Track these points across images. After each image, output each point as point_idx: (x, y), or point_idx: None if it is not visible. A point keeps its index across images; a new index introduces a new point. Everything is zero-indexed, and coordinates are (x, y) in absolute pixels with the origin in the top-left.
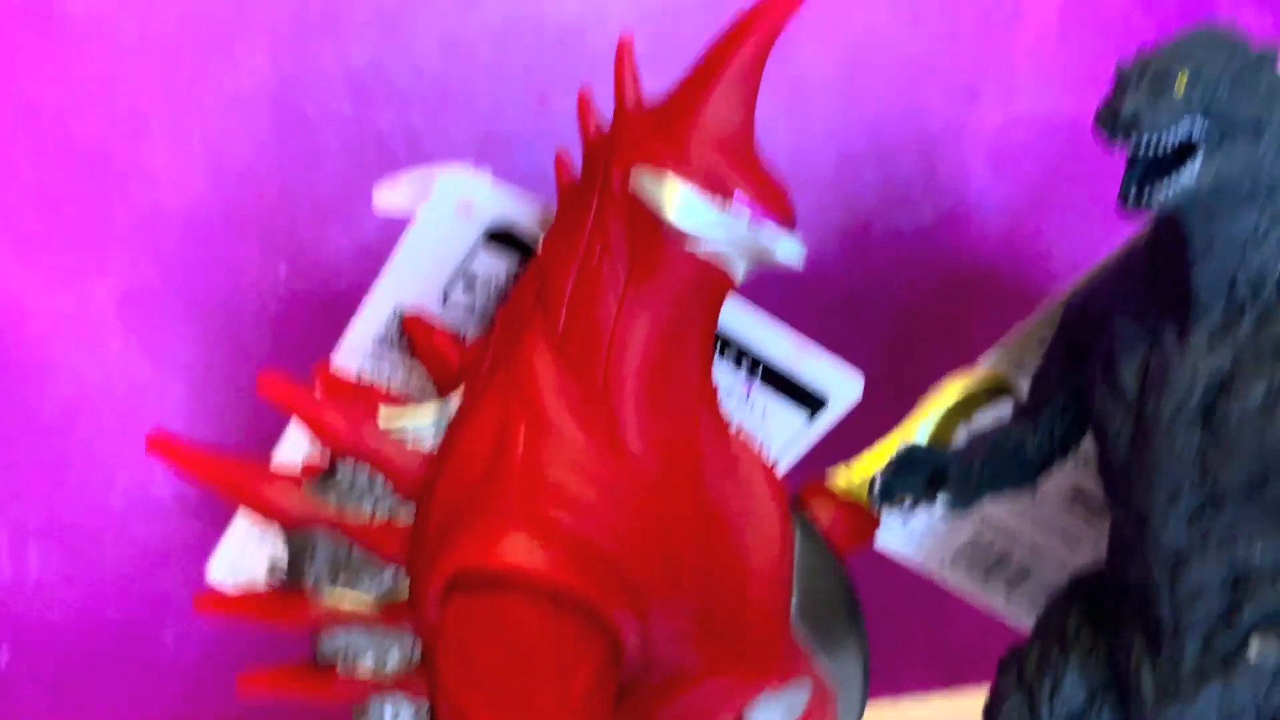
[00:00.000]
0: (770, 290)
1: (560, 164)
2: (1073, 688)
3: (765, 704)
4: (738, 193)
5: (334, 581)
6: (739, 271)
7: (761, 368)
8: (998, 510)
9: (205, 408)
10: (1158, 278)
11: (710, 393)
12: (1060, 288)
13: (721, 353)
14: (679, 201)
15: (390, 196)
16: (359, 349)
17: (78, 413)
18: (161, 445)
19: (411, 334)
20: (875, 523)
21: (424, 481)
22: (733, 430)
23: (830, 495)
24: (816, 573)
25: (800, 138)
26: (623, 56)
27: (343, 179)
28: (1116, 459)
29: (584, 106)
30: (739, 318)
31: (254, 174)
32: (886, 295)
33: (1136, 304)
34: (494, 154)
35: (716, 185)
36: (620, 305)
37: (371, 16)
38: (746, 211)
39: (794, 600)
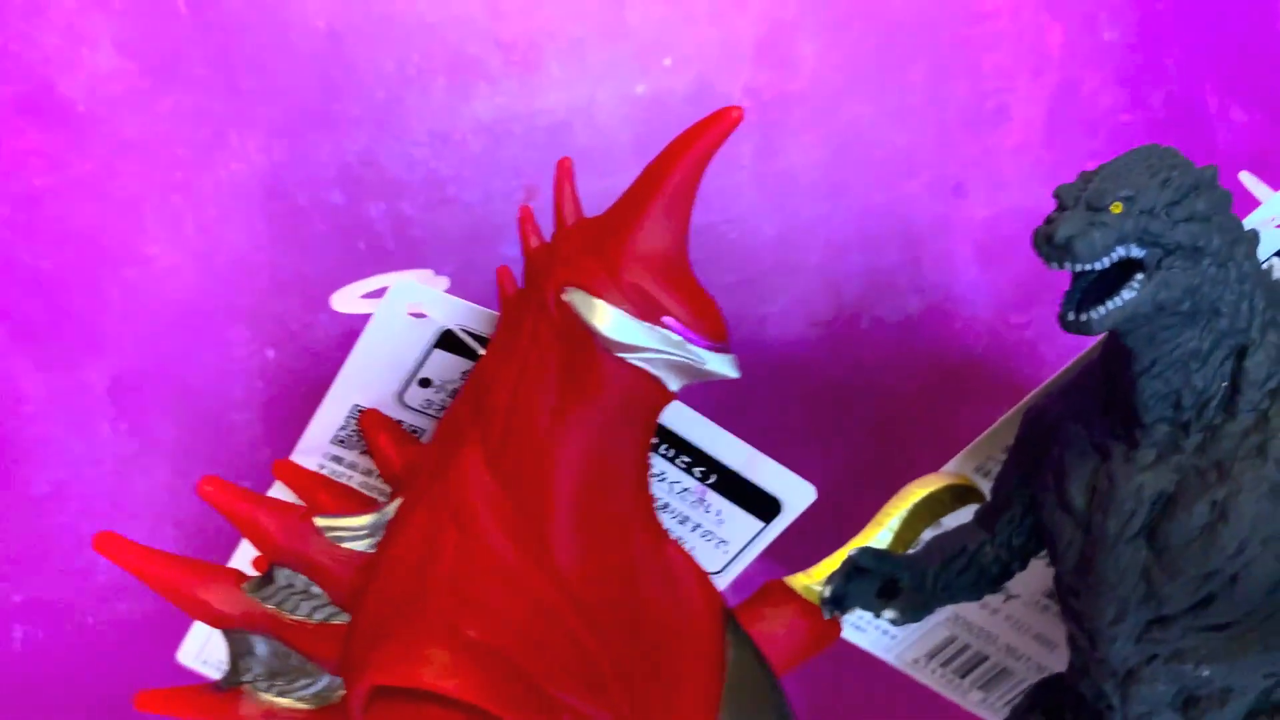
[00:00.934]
0: (756, 381)
1: (503, 277)
2: None
3: None
4: (667, 315)
5: (271, 683)
6: (673, 385)
7: (716, 474)
8: (972, 612)
9: (190, 489)
10: (1108, 392)
11: (646, 506)
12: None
13: (675, 459)
14: (608, 321)
15: (347, 301)
16: (317, 447)
17: (67, 490)
18: (106, 544)
19: (364, 434)
20: (836, 628)
21: (357, 588)
22: (669, 542)
23: (790, 600)
24: (747, 687)
25: (787, 228)
26: (562, 177)
27: (333, 267)
28: (1066, 573)
29: (525, 221)
30: (692, 425)
31: (245, 261)
32: (872, 386)
33: (1088, 417)
34: (482, 244)
35: (647, 306)
36: (554, 420)
37: (364, 109)
38: (676, 332)
39: (722, 715)
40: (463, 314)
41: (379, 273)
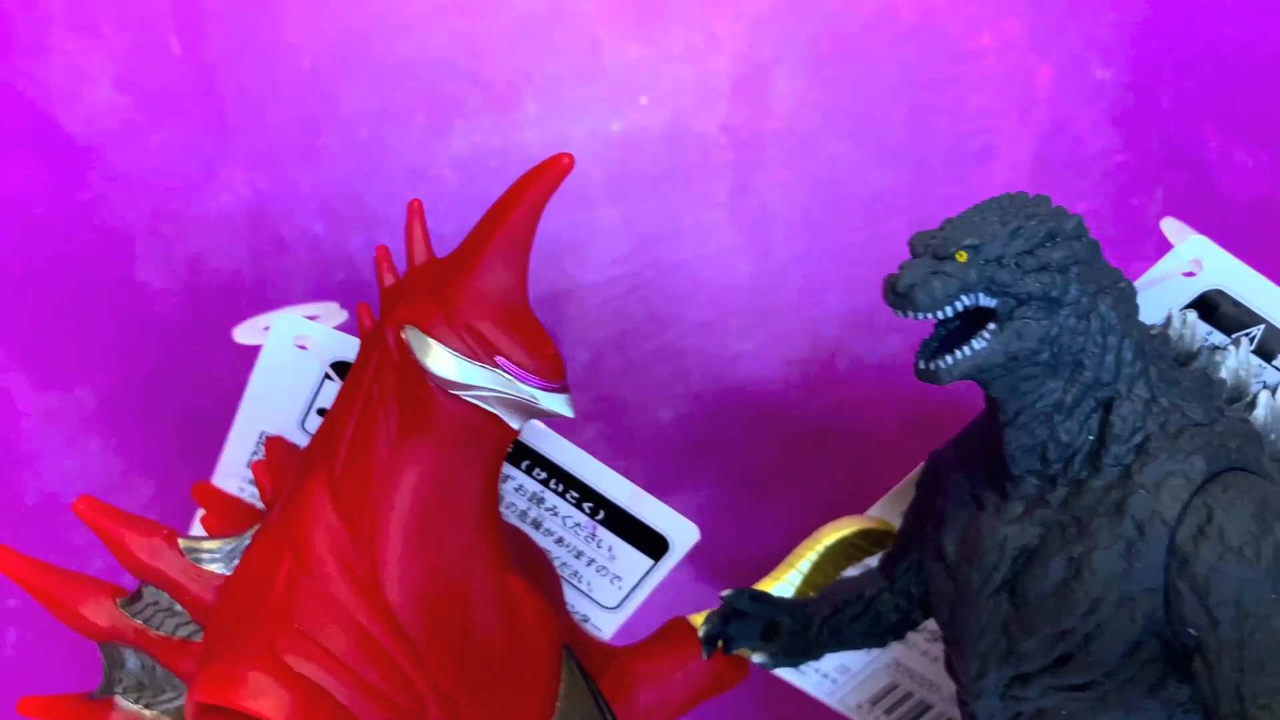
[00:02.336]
0: (730, 420)
1: (362, 312)
2: None
3: None
4: (499, 355)
5: (139, 695)
6: (513, 423)
7: (604, 510)
8: (914, 659)
9: (173, 502)
10: (990, 443)
11: (491, 538)
12: None
13: (565, 494)
14: (439, 360)
15: (244, 334)
16: (235, 471)
17: (59, 501)
18: None
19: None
20: (743, 668)
21: (211, 608)
22: (513, 575)
23: (692, 639)
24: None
25: (763, 266)
26: (412, 218)
27: (313, 295)
28: (940, 625)
29: (381, 260)
30: (579, 461)
31: (230, 288)
32: (851, 426)
33: (971, 467)
34: None
35: (479, 346)
36: (392, 453)
37: (345, 145)
38: (508, 371)
39: None
40: (343, 347)
41: (359, 300)
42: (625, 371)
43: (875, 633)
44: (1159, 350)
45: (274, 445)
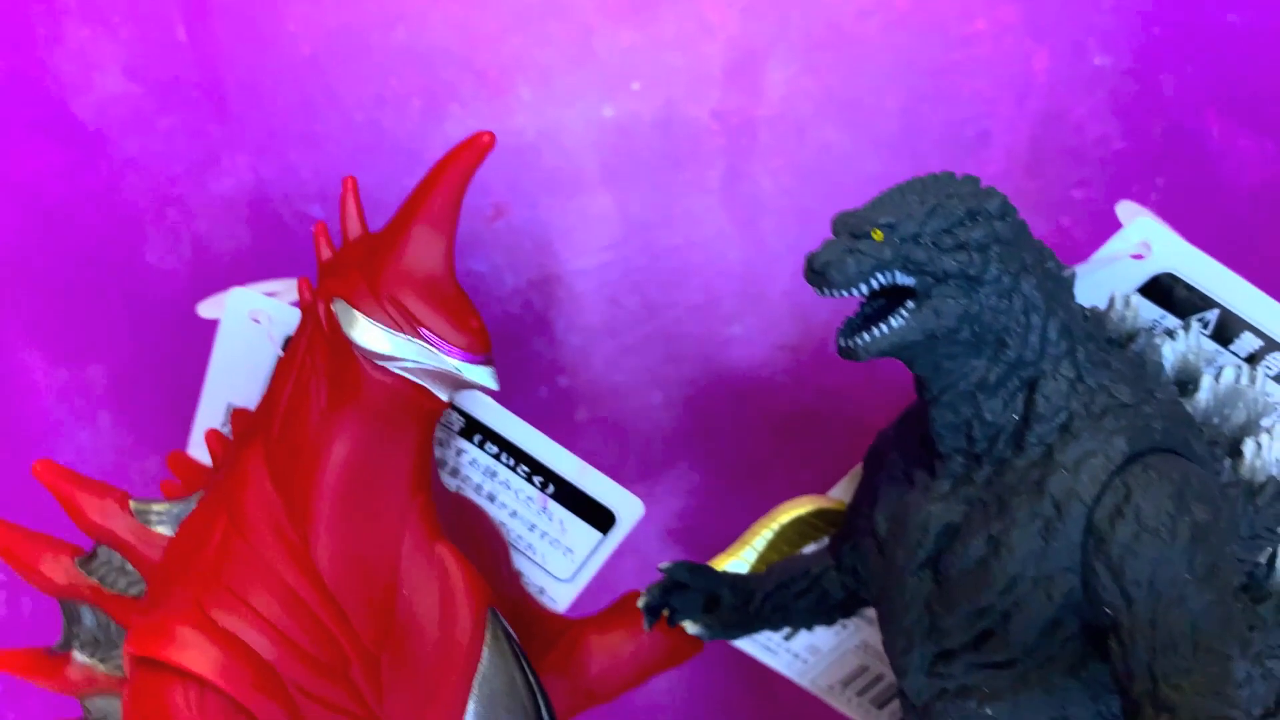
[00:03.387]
0: (719, 405)
1: (303, 286)
2: None
3: None
4: (423, 327)
5: (94, 650)
6: (441, 394)
7: (554, 483)
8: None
9: None
10: (921, 422)
11: (423, 506)
12: None
13: (515, 468)
14: (363, 331)
15: (208, 309)
16: (204, 442)
17: None
18: None
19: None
20: (697, 643)
21: (156, 567)
22: (443, 543)
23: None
24: (499, 684)
25: (754, 252)
26: (346, 194)
27: (313, 275)
28: (872, 601)
29: (318, 235)
30: (526, 435)
31: (233, 269)
32: (839, 413)
33: (907, 446)
34: (455, 258)
35: (404, 318)
36: (322, 422)
37: (344, 130)
38: (431, 343)
39: (471, 711)
40: (295, 321)
41: None
42: (616, 356)
43: (822, 609)
44: (1088, 330)
45: (237, 416)
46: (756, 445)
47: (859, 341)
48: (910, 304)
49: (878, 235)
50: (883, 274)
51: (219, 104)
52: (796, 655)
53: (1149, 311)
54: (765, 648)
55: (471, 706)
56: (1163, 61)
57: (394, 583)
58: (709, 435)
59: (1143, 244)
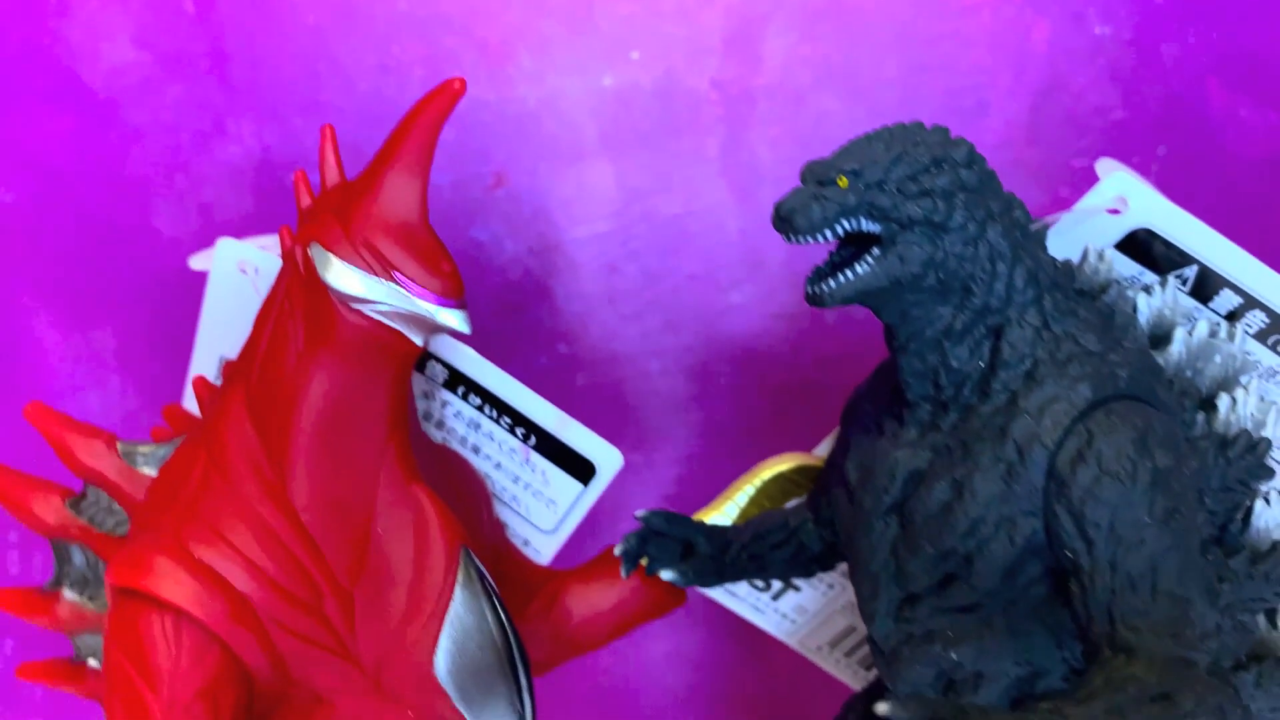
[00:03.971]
0: (718, 372)
1: (283, 233)
2: None
3: None
4: (397, 271)
5: (83, 588)
6: (415, 338)
7: (535, 436)
8: None
9: None
10: (892, 372)
11: (399, 448)
12: None
13: (498, 420)
14: (340, 275)
15: (198, 261)
16: None
17: None
18: None
19: None
20: (680, 595)
21: (138, 505)
22: (419, 485)
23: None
24: (469, 622)
25: (752, 221)
26: (324, 143)
27: None
28: (842, 548)
29: (298, 183)
30: (510, 388)
31: (239, 235)
32: (837, 381)
33: (879, 396)
34: (456, 225)
35: (378, 262)
36: (299, 364)
37: (347, 99)
38: (404, 287)
39: (442, 647)
40: None
41: None
42: (615, 324)
43: (798, 561)
44: (1055, 279)
45: (228, 368)
46: (754, 413)
47: (824, 288)
48: (876, 251)
49: (843, 182)
50: (847, 220)
51: (225, 73)
52: (785, 616)
53: (1128, 267)
54: (754, 608)
55: (443, 641)
56: (1163, 31)
57: (369, 521)
58: (707, 403)
59: (1119, 199)
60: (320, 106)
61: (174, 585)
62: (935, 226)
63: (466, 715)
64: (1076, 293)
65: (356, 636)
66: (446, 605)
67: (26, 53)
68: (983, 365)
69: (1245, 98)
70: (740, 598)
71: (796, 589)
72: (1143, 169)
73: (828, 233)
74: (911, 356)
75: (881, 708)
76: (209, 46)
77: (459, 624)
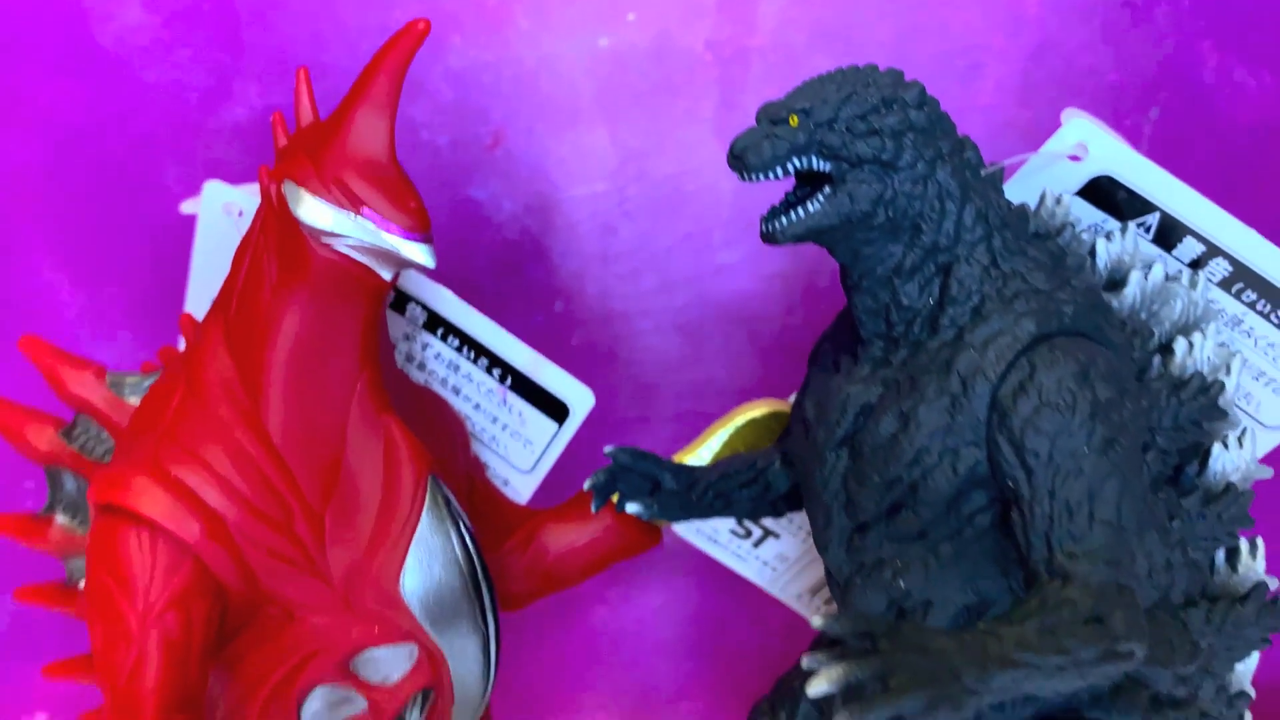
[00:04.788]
0: (710, 331)
1: (261, 173)
2: (806, 715)
3: (369, 655)
4: (365, 206)
5: (74, 514)
6: (384, 272)
7: (511, 377)
8: None
9: None
10: (849, 313)
11: (370, 380)
12: None
13: (475, 360)
14: (311, 209)
15: (189, 205)
16: None
17: None
18: None
19: None
20: (655, 535)
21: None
22: (389, 415)
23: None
24: (436, 551)
25: (745, 184)
26: (299, 85)
27: None
28: (799, 482)
29: (276, 124)
30: (485, 329)
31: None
32: None
33: (839, 337)
34: (454, 184)
35: (347, 197)
36: (273, 297)
37: (350, 60)
38: (372, 221)
39: (409, 568)
40: None
41: None
42: (611, 282)
43: (765, 500)
44: (1006, 220)
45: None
46: (746, 371)
47: (777, 225)
48: (827, 189)
49: (794, 121)
50: (798, 158)
51: (232, 35)
52: (766, 563)
53: (1092, 215)
54: (736, 555)
55: (409, 562)
56: None
57: (340, 447)
58: (698, 361)
59: (1079, 145)
60: (324, 67)
61: (150, 501)
62: (884, 165)
63: (430, 631)
64: (1033, 235)
65: (326, 555)
66: (414, 529)
67: (41, 15)
68: (932, 302)
69: (1239, 60)
70: (722, 545)
71: (776, 536)
72: (1135, 131)
73: (779, 170)
74: (864, 294)
75: (817, 621)
76: (215, 7)
77: (425, 546)
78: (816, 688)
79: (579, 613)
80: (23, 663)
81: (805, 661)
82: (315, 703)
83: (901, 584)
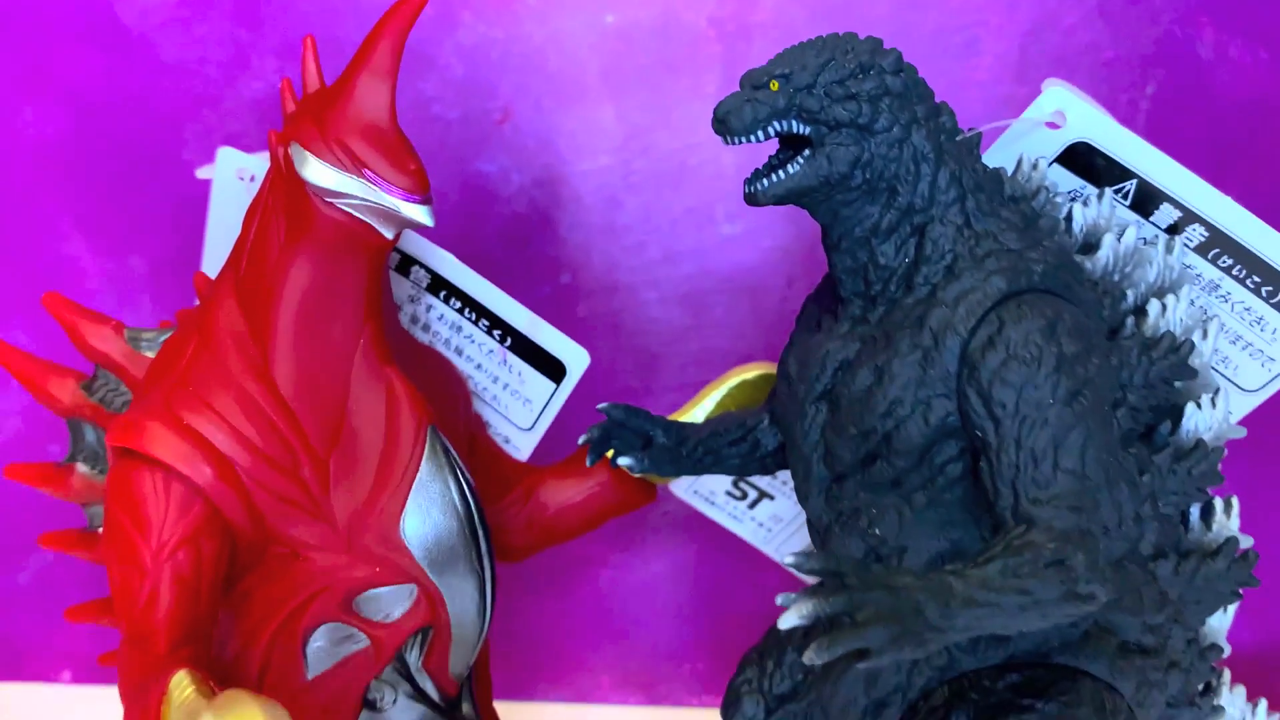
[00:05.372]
0: (713, 303)
1: (271, 138)
2: (792, 665)
3: (371, 594)
4: (366, 168)
5: (95, 463)
6: (386, 232)
7: (511, 338)
8: None
9: None
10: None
11: (373, 335)
12: None
13: (476, 321)
14: (315, 171)
15: (203, 171)
16: None
17: None
18: None
19: None
20: (651, 492)
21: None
22: (392, 368)
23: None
24: (435, 496)
25: (747, 157)
26: (305, 53)
27: None
28: (783, 436)
29: (284, 91)
30: (486, 291)
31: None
32: None
33: (823, 298)
34: (464, 158)
35: (349, 159)
36: (281, 254)
37: (359, 34)
38: (373, 182)
39: (409, 512)
40: None
41: None
42: (616, 255)
43: (753, 457)
44: (980, 183)
45: None
46: (749, 343)
47: (759, 187)
48: (806, 152)
49: (774, 86)
50: (778, 122)
51: (249, 11)
52: (760, 524)
53: (1070, 181)
54: (732, 516)
55: (409, 506)
56: None
57: (344, 397)
58: (701, 332)
59: (1057, 113)
60: (339, 42)
61: (164, 446)
62: (861, 129)
63: (429, 572)
64: (1007, 198)
65: (331, 499)
66: (414, 475)
67: None
68: (907, 261)
69: (1236, 37)
70: (719, 506)
71: (771, 498)
72: (1132, 107)
73: (759, 133)
74: (843, 254)
75: (789, 560)
76: None
77: (424, 492)
78: (786, 621)
79: (584, 576)
80: (48, 622)
81: (779, 599)
82: (320, 639)
83: (877, 531)
